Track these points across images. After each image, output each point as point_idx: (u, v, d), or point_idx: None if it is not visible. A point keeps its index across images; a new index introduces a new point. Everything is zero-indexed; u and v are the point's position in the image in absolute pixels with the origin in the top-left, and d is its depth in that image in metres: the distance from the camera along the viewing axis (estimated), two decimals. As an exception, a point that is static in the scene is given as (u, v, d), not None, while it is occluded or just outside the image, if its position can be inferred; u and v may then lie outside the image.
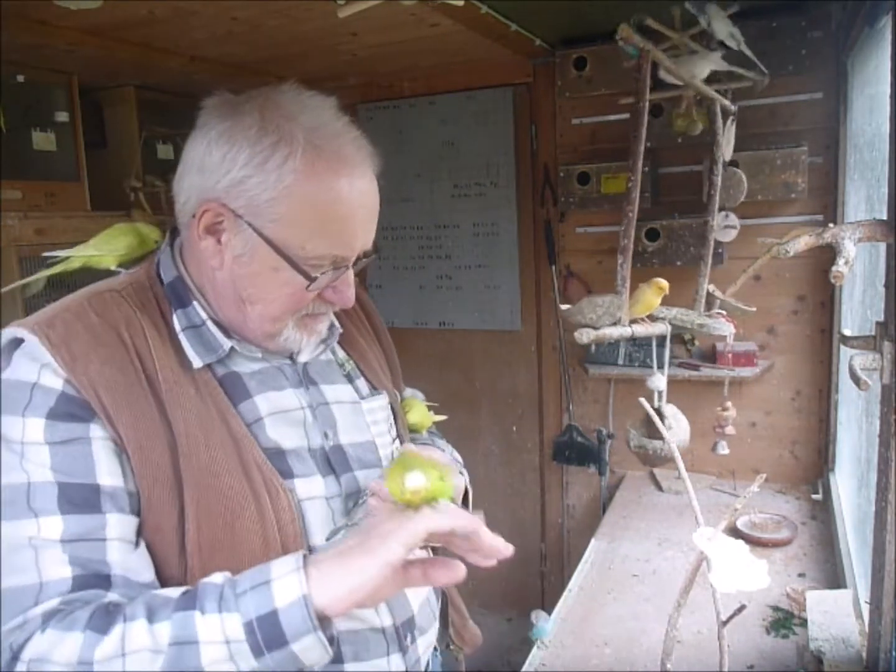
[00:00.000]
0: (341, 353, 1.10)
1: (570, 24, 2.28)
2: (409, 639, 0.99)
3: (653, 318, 1.53)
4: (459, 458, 1.23)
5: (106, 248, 0.97)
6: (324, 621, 0.73)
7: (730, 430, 1.78)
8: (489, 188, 2.79)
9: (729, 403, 1.80)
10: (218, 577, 0.77)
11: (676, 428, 1.53)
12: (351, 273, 0.95)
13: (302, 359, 1.02)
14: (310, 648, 0.73)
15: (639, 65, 1.39)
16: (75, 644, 0.73)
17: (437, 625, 1.09)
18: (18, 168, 2.20)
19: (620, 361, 2.55)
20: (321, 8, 1.77)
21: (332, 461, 0.98)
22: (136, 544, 0.84)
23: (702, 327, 1.55)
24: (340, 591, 0.73)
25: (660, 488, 2.46)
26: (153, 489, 0.84)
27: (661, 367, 1.57)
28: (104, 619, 0.75)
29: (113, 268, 0.95)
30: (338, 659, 0.90)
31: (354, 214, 0.91)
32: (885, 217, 1.06)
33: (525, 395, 2.87)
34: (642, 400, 1.04)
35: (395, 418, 1.13)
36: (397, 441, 1.11)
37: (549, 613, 1.73)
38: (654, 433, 1.56)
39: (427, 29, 2.06)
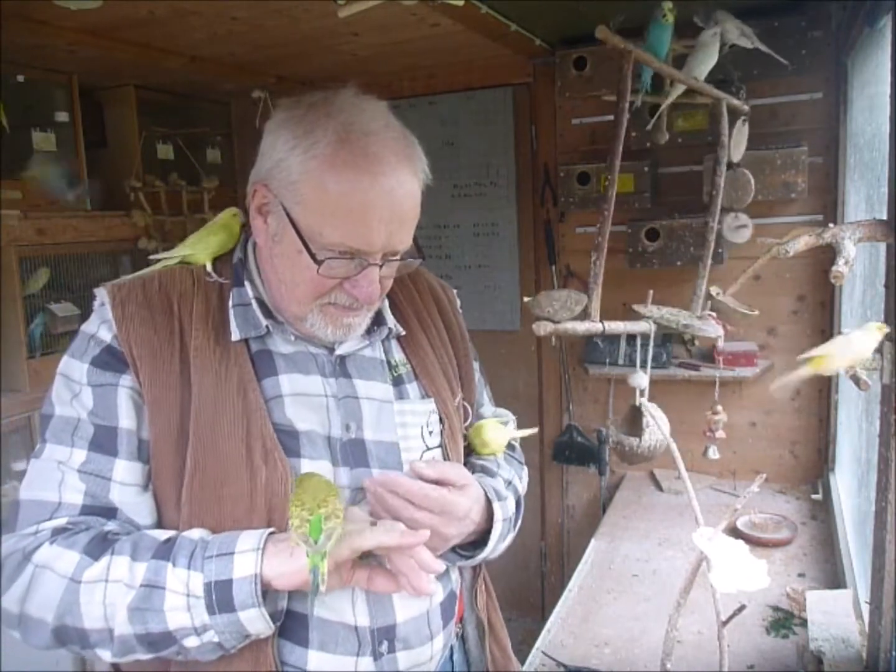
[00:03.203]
0: (399, 356, 1.10)
1: (570, 24, 2.28)
2: (384, 646, 0.97)
3: (637, 317, 1.52)
4: (518, 486, 1.17)
5: (199, 247, 1.07)
6: (270, 595, 0.86)
7: (720, 434, 1.76)
8: (489, 188, 2.79)
9: (719, 407, 1.77)
10: (195, 534, 0.90)
11: (653, 427, 1.51)
12: (375, 271, 0.95)
13: (340, 351, 1.04)
14: (254, 619, 0.85)
15: (620, 65, 1.38)
16: (72, 561, 0.86)
17: (433, 646, 1.04)
18: (18, 168, 2.20)
19: (620, 361, 2.55)
20: (321, 8, 1.77)
21: (349, 453, 0.99)
22: (145, 488, 0.95)
23: (686, 328, 1.54)
24: (286, 569, 0.85)
25: (660, 488, 2.46)
26: (159, 438, 0.94)
27: (643, 365, 1.56)
28: (99, 546, 0.88)
29: (208, 264, 1.05)
30: (303, 643, 0.95)
31: (372, 209, 0.92)
32: (885, 217, 1.06)
33: (525, 395, 2.87)
34: (642, 400, 1.04)
35: (442, 428, 1.09)
36: (437, 450, 1.08)
37: (549, 613, 1.73)
38: (634, 430, 1.55)
39: (427, 29, 2.07)
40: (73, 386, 0.95)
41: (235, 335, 0.98)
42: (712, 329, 1.57)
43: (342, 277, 0.95)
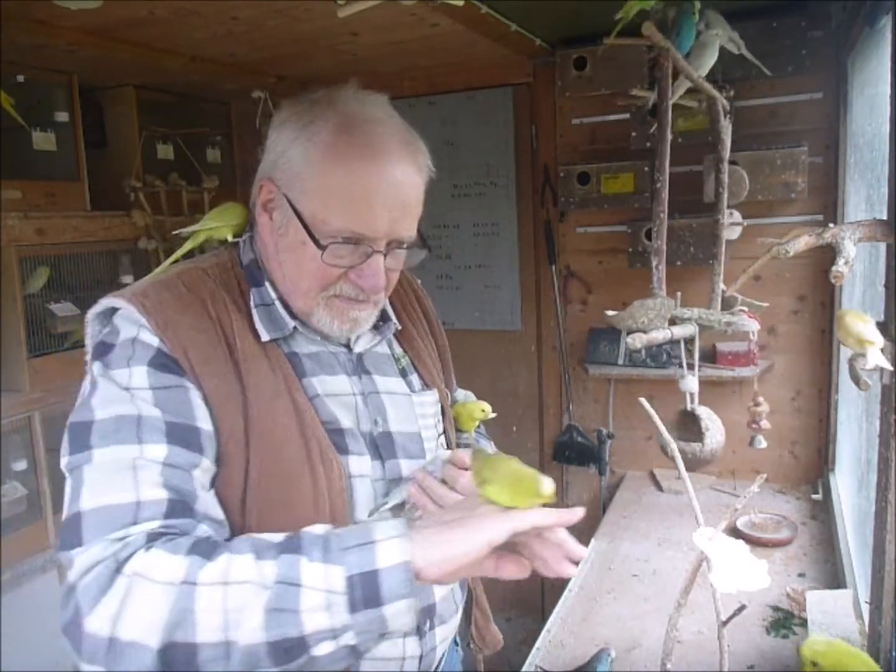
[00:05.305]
0: (398, 349, 1.14)
1: (570, 24, 2.28)
2: (427, 625, 1.01)
3: (678, 320, 1.51)
4: None
5: (222, 220, 1.07)
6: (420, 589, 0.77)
7: (765, 423, 1.77)
8: (489, 188, 2.79)
9: (761, 398, 1.78)
10: (319, 529, 0.80)
11: (713, 429, 1.52)
12: (379, 259, 0.96)
13: (357, 349, 1.06)
14: (400, 613, 0.75)
15: (660, 64, 1.39)
16: (179, 565, 0.75)
17: (458, 617, 1.11)
18: (18, 168, 2.20)
19: (620, 361, 2.55)
20: (321, 8, 1.77)
21: (380, 446, 1.02)
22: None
23: (729, 325, 1.53)
24: (437, 557, 0.76)
25: (660, 488, 2.46)
26: (228, 444, 0.90)
27: (691, 368, 1.56)
28: (208, 548, 0.78)
29: (230, 238, 1.06)
30: None
31: (374, 193, 0.92)
32: (885, 217, 1.06)
33: (525, 395, 2.87)
34: (643, 400, 1.04)
35: (443, 415, 1.16)
36: (442, 437, 1.14)
37: (549, 613, 1.73)
38: (689, 436, 1.55)
39: (427, 29, 2.06)
40: (121, 392, 0.87)
41: (264, 336, 0.97)
42: (750, 324, 1.56)
43: (347, 266, 0.95)
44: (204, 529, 0.83)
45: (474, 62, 2.58)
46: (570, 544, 0.82)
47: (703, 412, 1.55)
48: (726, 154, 1.75)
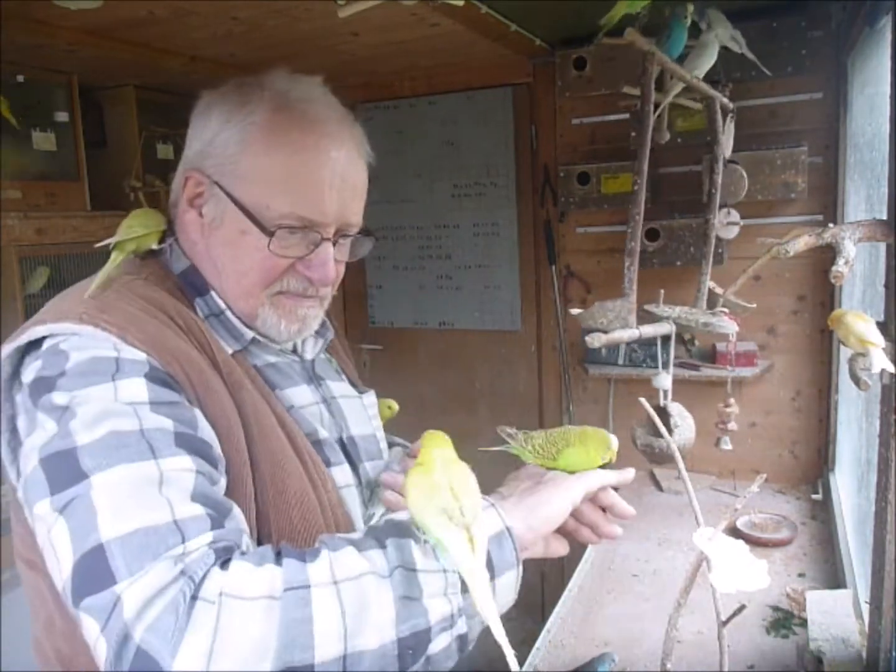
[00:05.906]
0: (326, 354, 1.11)
1: (570, 24, 2.28)
2: None
3: (656, 318, 1.53)
4: None
5: (147, 227, 0.94)
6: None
7: (732, 426, 1.79)
8: (489, 188, 2.79)
9: (732, 400, 1.81)
10: (403, 515, 0.73)
11: (683, 426, 1.53)
12: (329, 247, 0.89)
13: (308, 355, 1.02)
14: (509, 586, 0.72)
15: (643, 68, 1.38)
16: (274, 574, 0.64)
17: None
18: (18, 168, 2.20)
19: (620, 361, 2.55)
20: (321, 8, 1.77)
21: (348, 452, 0.99)
22: None
23: (706, 326, 1.54)
24: (530, 522, 0.76)
25: (660, 488, 2.45)
26: (235, 467, 0.80)
27: (665, 366, 1.57)
28: (296, 552, 0.68)
29: (155, 246, 0.93)
30: None
31: (321, 173, 0.86)
32: (885, 217, 1.06)
33: (525, 395, 2.87)
34: (643, 400, 1.04)
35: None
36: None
37: (549, 613, 1.73)
38: (659, 431, 1.56)
39: (427, 29, 2.07)
40: (112, 405, 0.71)
41: (227, 349, 0.88)
42: (728, 326, 1.57)
43: (295, 257, 0.88)
44: (248, 543, 0.72)
45: (474, 62, 2.58)
46: (622, 504, 0.86)
47: (675, 409, 1.55)
48: (721, 154, 1.75)
